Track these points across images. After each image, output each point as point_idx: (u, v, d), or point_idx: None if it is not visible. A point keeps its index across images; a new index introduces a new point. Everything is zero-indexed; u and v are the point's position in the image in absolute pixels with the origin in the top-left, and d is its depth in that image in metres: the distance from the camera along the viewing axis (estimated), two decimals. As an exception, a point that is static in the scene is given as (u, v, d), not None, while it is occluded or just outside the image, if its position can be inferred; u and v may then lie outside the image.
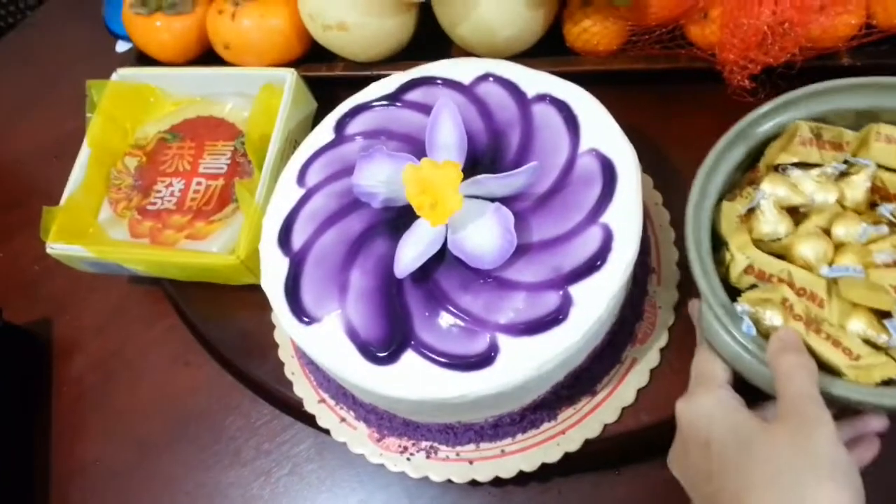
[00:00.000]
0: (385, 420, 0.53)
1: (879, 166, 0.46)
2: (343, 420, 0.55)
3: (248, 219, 0.58)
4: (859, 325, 0.40)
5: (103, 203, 0.67)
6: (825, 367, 0.40)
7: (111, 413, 0.66)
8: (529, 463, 0.51)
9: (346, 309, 0.48)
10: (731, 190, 0.48)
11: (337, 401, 0.55)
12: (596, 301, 0.45)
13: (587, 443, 0.51)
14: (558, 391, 0.51)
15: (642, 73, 0.62)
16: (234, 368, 0.61)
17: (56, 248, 0.62)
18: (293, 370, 0.58)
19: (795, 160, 0.47)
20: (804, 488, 0.32)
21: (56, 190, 0.65)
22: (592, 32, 0.61)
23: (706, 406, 0.39)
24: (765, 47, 0.53)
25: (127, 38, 0.78)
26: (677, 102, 0.63)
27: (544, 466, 0.51)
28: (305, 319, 0.49)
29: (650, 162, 0.56)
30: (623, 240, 0.47)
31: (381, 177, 0.50)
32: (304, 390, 0.56)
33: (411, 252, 0.48)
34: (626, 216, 0.48)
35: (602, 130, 0.52)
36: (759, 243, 0.45)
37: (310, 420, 0.56)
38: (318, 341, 0.48)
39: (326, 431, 0.55)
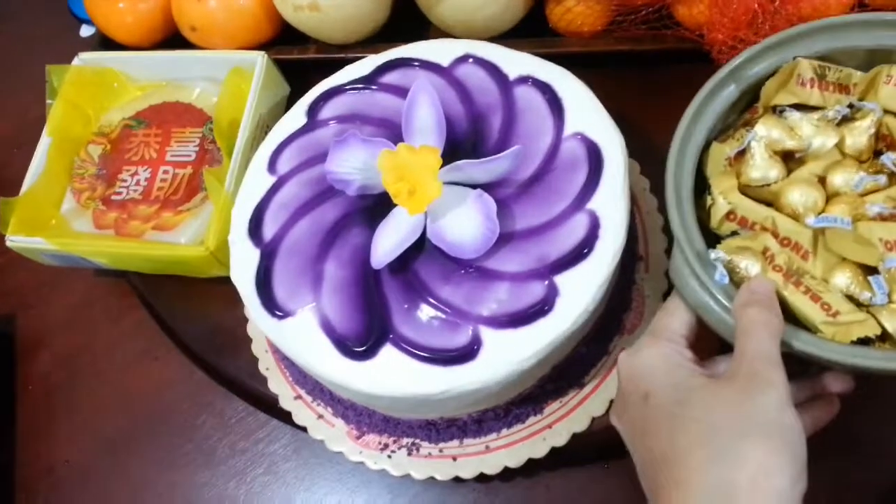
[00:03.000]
0: (364, 416, 0.51)
1: (887, 111, 0.42)
2: (320, 417, 0.53)
3: (217, 208, 0.55)
4: (844, 279, 0.38)
5: (66, 193, 0.64)
6: (799, 322, 0.38)
7: (79, 411, 0.63)
8: (515, 459, 0.49)
9: (320, 302, 0.46)
10: (725, 131, 0.45)
11: (314, 397, 0.53)
12: (583, 291, 0.44)
13: (574, 437, 0.49)
14: (544, 384, 0.49)
15: (628, 55, 0.60)
16: (205, 364, 0.59)
17: (16, 240, 0.59)
18: (268, 365, 0.55)
19: (794, 101, 0.43)
20: (736, 449, 0.30)
21: (18, 181, 0.62)
22: (576, 12, 0.59)
23: (649, 358, 0.37)
24: (755, 27, 0.51)
25: (91, 22, 0.75)
26: (665, 85, 0.60)
27: (531, 462, 0.49)
28: (278, 313, 0.46)
29: (637, 147, 0.54)
30: (610, 227, 0.45)
31: (355, 163, 0.47)
32: (280, 386, 0.54)
33: (388, 242, 0.45)
34: (613, 202, 0.46)
35: (587, 114, 0.50)
36: (747, 189, 0.42)
37: (286, 417, 0.54)
38: (292, 336, 0.46)
39: (303, 429, 0.53)
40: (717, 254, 0.39)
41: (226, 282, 0.50)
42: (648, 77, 0.62)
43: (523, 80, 0.52)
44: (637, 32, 0.59)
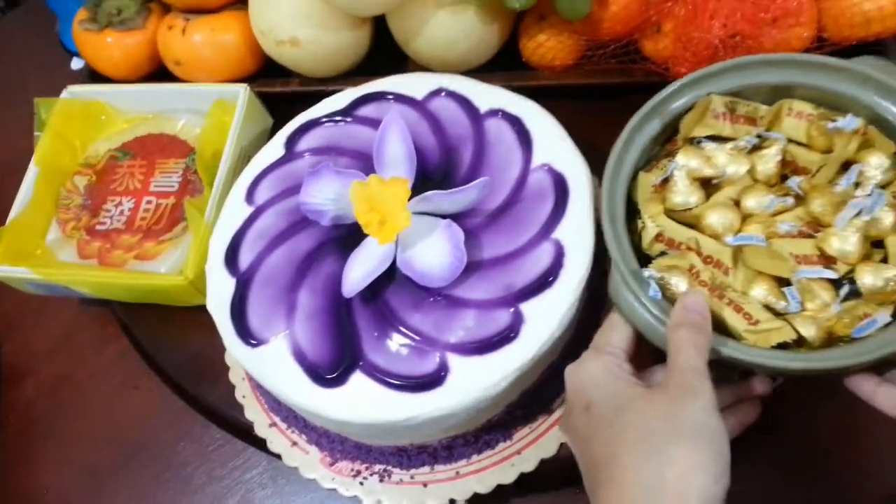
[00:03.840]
0: (337, 443, 0.51)
1: (790, 140, 0.46)
2: (295, 444, 0.53)
3: (196, 238, 0.57)
4: (761, 291, 0.42)
5: (52, 223, 0.65)
6: (725, 331, 0.41)
7: (61, 440, 0.63)
8: (484, 485, 0.50)
9: (293, 330, 0.47)
10: (650, 162, 0.49)
11: (288, 424, 0.54)
12: (547, 318, 0.45)
13: (543, 462, 0.50)
14: (513, 411, 0.50)
15: (598, 88, 0.62)
16: (184, 392, 0.60)
17: (0, 270, 0.60)
18: (244, 393, 0.56)
19: (709, 133, 0.47)
20: (666, 450, 0.33)
21: (5, 211, 0.63)
22: (548, 47, 0.61)
23: (591, 370, 0.40)
24: (716, 61, 0.53)
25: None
26: (633, 114, 0.62)
27: (500, 487, 0.50)
28: (252, 342, 0.47)
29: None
30: (575, 255, 0.46)
31: (329, 194, 0.49)
32: (255, 414, 0.55)
33: (359, 271, 0.47)
34: (577, 231, 0.47)
35: (555, 145, 0.51)
36: (671, 213, 0.46)
37: (261, 445, 0.54)
38: (265, 364, 0.47)
39: (278, 456, 0.53)
40: (649, 272, 0.43)
41: (205, 310, 0.51)
42: (618, 107, 0.62)
43: (494, 112, 0.53)
44: (606, 66, 0.61)
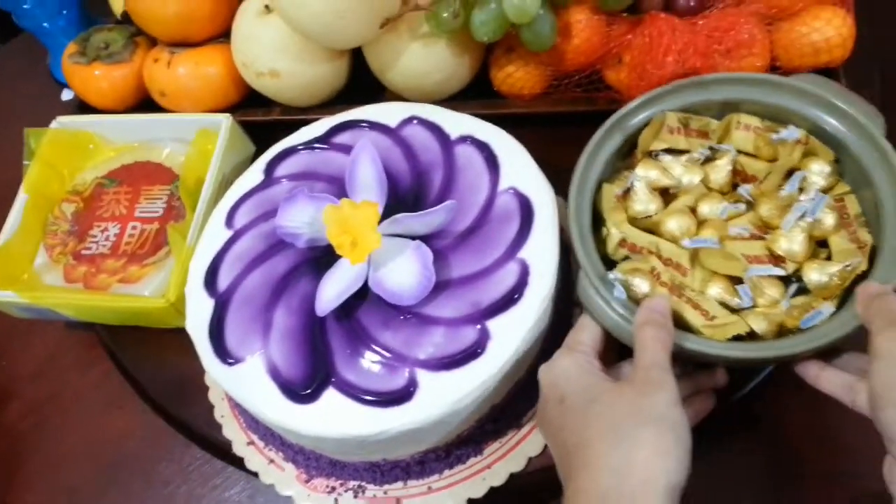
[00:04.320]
0: (312, 460, 0.52)
1: (740, 151, 0.51)
2: (272, 462, 0.54)
3: (178, 262, 0.58)
4: (717, 290, 0.46)
5: (39, 249, 0.67)
6: (686, 327, 0.45)
7: (43, 461, 0.65)
8: (456, 499, 0.51)
9: (268, 349, 0.48)
10: (613, 174, 0.53)
11: (266, 442, 0.55)
12: (513, 334, 0.47)
13: (512, 477, 0.51)
14: (484, 425, 0.51)
15: (565, 115, 0.65)
16: (165, 413, 0.61)
17: (-12, 294, 0.62)
18: (223, 412, 0.57)
19: (665, 146, 0.52)
20: (634, 436, 0.36)
21: (-6, 238, 0.65)
22: (517, 77, 0.63)
23: (564, 366, 0.43)
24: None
25: (70, 87, 0.79)
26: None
27: (472, 501, 0.51)
28: (229, 360, 0.49)
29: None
30: (540, 274, 0.48)
31: (304, 217, 0.51)
32: (233, 432, 0.56)
33: (332, 290, 0.48)
34: (542, 252, 0.49)
35: (521, 169, 0.53)
36: (633, 221, 0.50)
37: (240, 463, 0.55)
38: (241, 382, 0.48)
39: (256, 474, 0.55)
40: (615, 275, 0.46)
41: (187, 332, 0.53)
42: (583, 133, 0.65)
43: (463, 139, 0.56)
44: (572, 95, 0.64)
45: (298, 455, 0.53)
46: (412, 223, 0.49)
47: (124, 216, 0.66)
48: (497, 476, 0.51)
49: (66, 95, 0.86)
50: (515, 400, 0.52)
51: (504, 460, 0.52)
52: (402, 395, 0.45)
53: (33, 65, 0.93)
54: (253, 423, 0.55)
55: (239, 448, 0.55)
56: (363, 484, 0.52)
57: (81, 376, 0.68)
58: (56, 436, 0.66)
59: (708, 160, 0.51)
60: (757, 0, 0.57)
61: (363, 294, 0.49)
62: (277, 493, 0.54)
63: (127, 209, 0.67)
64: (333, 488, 0.53)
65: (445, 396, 0.45)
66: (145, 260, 0.62)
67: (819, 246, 0.47)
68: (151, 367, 0.63)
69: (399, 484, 0.52)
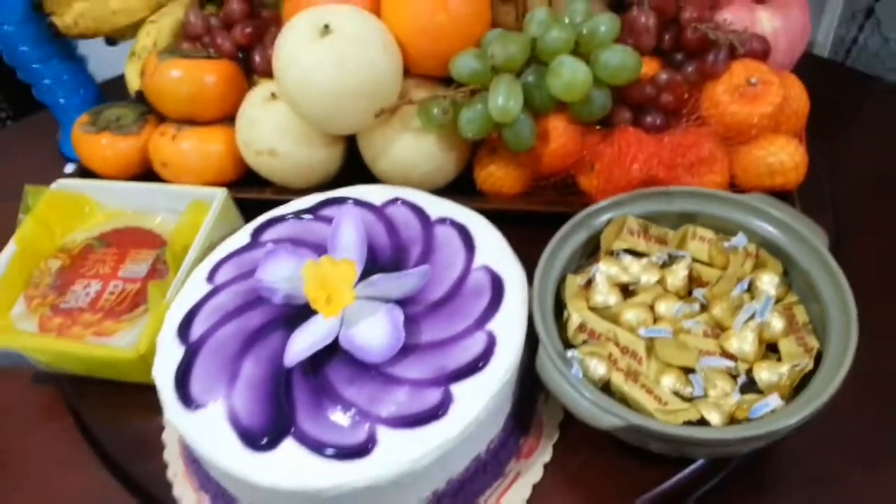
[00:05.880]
0: (263, 522, 0.51)
1: (695, 259, 0.56)
2: (220, 523, 0.53)
3: (154, 316, 0.59)
4: (670, 381, 0.49)
5: (19, 299, 0.68)
6: (640, 410, 0.48)
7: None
8: (407, 575, 0.49)
9: (231, 397, 0.49)
10: (578, 268, 0.57)
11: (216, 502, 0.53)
12: (475, 400, 0.47)
13: (466, 556, 0.50)
14: (440, 501, 0.51)
15: (540, 215, 0.69)
16: (119, 471, 0.59)
17: (-42, 338, 0.62)
18: (176, 471, 0.56)
19: (626, 247, 0.57)
20: None
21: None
22: (497, 176, 0.68)
23: None
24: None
25: (74, 160, 0.83)
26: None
27: (422, 581, 0.50)
28: (191, 406, 0.49)
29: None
30: (506, 345, 0.50)
31: (283, 273, 0.53)
32: (184, 492, 0.55)
33: (302, 343, 0.50)
34: (510, 325, 0.51)
35: (495, 251, 0.57)
36: (593, 310, 0.53)
37: (187, 524, 0.54)
38: (199, 427, 0.48)
39: (202, 536, 0.53)
40: (573, 353, 0.49)
41: (154, 390, 0.53)
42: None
43: (443, 220, 0.59)
44: (548, 197, 0.69)
45: (248, 516, 0.51)
46: (387, 285, 0.51)
47: (108, 275, 0.68)
48: (450, 553, 0.50)
49: (69, 169, 0.90)
50: (473, 478, 0.52)
51: (459, 537, 0.51)
52: (360, 450, 0.45)
53: (42, 142, 0.98)
54: (206, 482, 0.54)
55: (187, 507, 0.54)
56: (313, 553, 0.51)
57: (39, 430, 0.66)
58: (5, 491, 0.63)
59: (665, 265, 0.55)
60: (717, 123, 0.63)
61: (333, 350, 0.50)
62: (221, 559, 0.52)
63: (112, 269, 0.68)
64: (281, 555, 0.51)
65: (404, 454, 0.45)
66: (122, 316, 0.63)
67: (769, 350, 0.50)
68: (111, 423, 0.62)
69: (350, 556, 0.50)
